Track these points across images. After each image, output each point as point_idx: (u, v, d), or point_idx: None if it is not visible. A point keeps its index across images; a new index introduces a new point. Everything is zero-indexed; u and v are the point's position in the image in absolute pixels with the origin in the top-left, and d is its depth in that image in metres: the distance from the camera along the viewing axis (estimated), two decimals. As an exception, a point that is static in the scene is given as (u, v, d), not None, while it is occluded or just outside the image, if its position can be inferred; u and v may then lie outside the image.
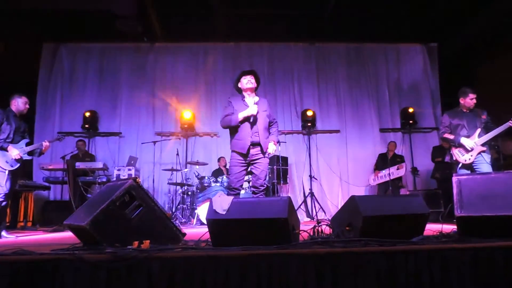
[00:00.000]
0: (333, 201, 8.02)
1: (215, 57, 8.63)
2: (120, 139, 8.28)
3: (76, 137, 7.90)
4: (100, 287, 1.93)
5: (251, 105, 3.91)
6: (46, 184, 6.95)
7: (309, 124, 8.12)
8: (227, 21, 7.87)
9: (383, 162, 7.48)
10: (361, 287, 2.00)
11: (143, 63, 8.57)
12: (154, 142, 7.28)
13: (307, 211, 7.60)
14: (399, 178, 7.32)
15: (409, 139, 8.37)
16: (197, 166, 7.34)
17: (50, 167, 6.95)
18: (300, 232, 2.64)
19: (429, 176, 7.79)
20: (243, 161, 3.87)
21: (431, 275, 2.03)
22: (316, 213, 7.39)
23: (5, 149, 4.37)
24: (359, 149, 8.33)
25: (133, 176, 6.68)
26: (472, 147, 4.35)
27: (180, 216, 6.60)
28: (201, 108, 8.43)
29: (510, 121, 4.19)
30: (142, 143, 7.75)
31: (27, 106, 4.71)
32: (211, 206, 2.48)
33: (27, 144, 4.62)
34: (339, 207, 3.77)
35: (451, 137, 4.53)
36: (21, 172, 4.75)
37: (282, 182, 7.21)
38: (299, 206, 7.58)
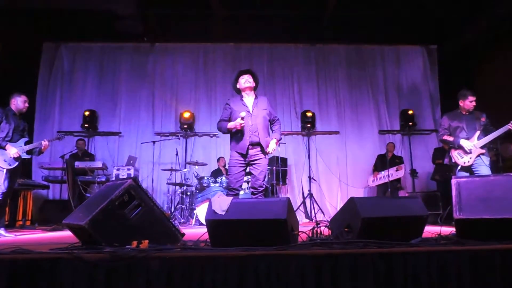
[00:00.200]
0: (332, 202, 8.03)
1: (215, 57, 8.64)
2: (119, 139, 8.28)
3: (75, 137, 7.91)
4: (99, 287, 1.93)
5: (250, 106, 3.92)
6: (45, 183, 6.94)
7: (308, 125, 8.13)
8: (227, 22, 7.88)
9: (382, 163, 7.48)
10: (360, 288, 2.00)
11: (143, 63, 8.57)
12: (154, 142, 7.28)
13: (306, 212, 7.60)
14: (398, 180, 7.33)
15: (408, 141, 8.38)
16: (196, 166, 7.34)
17: (50, 166, 6.96)
18: (299, 233, 2.64)
19: (428, 178, 7.79)
20: (243, 161, 3.86)
21: (430, 277, 2.03)
22: (315, 214, 7.38)
23: (4, 148, 4.36)
24: (358, 150, 8.34)
25: (132, 175, 6.68)
26: (471, 149, 4.35)
27: (179, 216, 6.59)
28: (200, 108, 8.44)
29: (510, 124, 4.19)
30: (141, 143, 7.77)
31: (27, 105, 4.71)
32: (210, 206, 2.48)
33: (26, 143, 4.62)
34: (338, 209, 3.77)
35: (451, 139, 4.53)
36: (20, 171, 4.74)
37: (281, 183, 7.21)
38: (298, 207, 7.57)
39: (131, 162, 7.01)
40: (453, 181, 2.73)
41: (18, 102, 4.61)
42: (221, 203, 2.46)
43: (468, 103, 4.51)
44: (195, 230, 4.68)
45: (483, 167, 4.32)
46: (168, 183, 7.07)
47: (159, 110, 8.42)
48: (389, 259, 2.05)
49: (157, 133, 8.24)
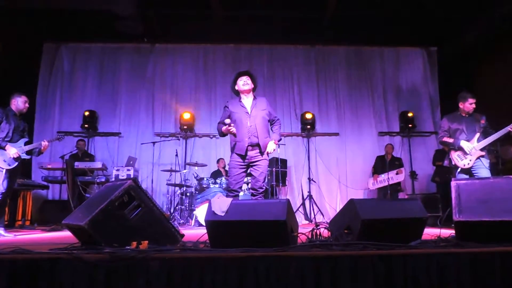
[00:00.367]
0: (331, 204, 8.03)
1: (215, 58, 8.65)
2: (119, 139, 8.28)
3: (75, 137, 7.91)
4: (98, 287, 1.92)
5: (248, 107, 3.92)
6: (45, 183, 6.94)
7: (308, 126, 8.14)
8: (227, 23, 7.88)
9: (381, 164, 7.48)
10: (359, 290, 2.00)
11: (143, 64, 8.57)
12: (153, 143, 7.28)
13: (305, 214, 7.59)
14: (398, 182, 7.33)
15: (408, 143, 8.38)
16: (196, 167, 7.34)
17: (49, 167, 6.95)
18: (299, 234, 2.63)
19: (427, 180, 7.79)
20: (242, 163, 3.85)
21: (429, 280, 2.03)
22: (315, 215, 7.38)
23: (3, 148, 4.36)
24: (358, 152, 8.34)
25: (132, 176, 6.68)
26: (471, 151, 4.35)
27: (179, 217, 6.59)
28: (200, 109, 8.44)
29: (510, 126, 4.20)
30: (141, 144, 7.76)
31: (27, 105, 4.71)
32: (209, 207, 2.48)
33: (26, 143, 4.62)
34: (338, 210, 3.77)
35: (450, 140, 4.53)
36: (20, 171, 4.74)
37: (281, 184, 7.21)
38: (298, 209, 7.57)
39: (131, 162, 7.02)
40: (453, 183, 2.73)
41: (19, 103, 4.61)
42: (221, 204, 2.45)
43: (468, 105, 4.52)
44: (194, 231, 4.68)
45: (483, 170, 4.32)
46: (167, 184, 7.06)
47: (159, 110, 8.42)
48: (388, 261, 2.05)
49: (157, 133, 8.24)
